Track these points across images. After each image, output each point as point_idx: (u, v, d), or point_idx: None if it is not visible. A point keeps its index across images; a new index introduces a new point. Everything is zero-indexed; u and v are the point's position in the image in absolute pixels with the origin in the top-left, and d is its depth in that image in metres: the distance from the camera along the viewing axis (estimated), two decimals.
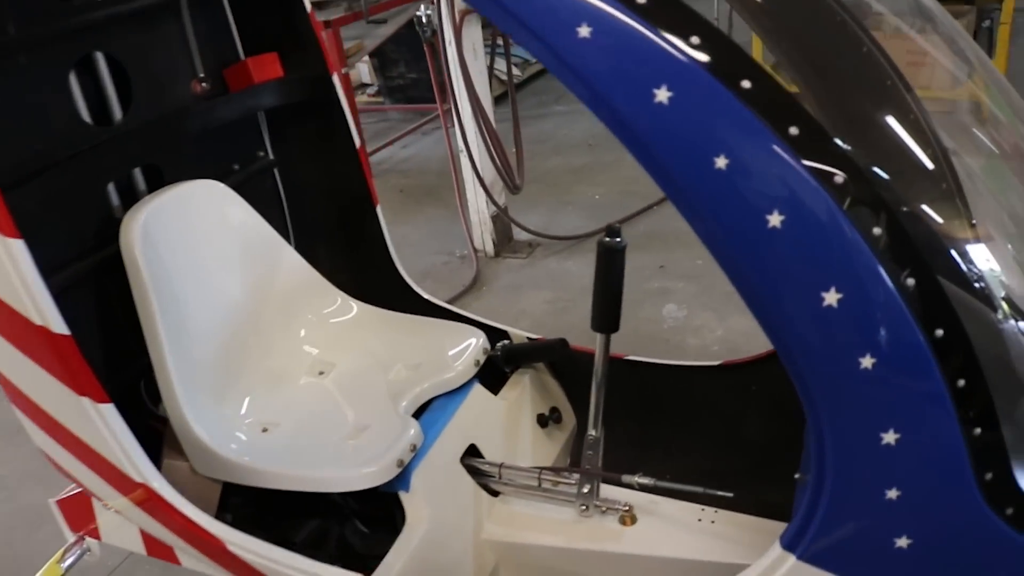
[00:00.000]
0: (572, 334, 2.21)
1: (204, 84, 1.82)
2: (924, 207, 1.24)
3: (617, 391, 1.82)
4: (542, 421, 2.15)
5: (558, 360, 2.17)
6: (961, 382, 1.08)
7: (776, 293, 1.07)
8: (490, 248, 4.78)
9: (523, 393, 2.13)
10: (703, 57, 1.04)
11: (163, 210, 1.76)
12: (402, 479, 1.71)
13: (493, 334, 2.18)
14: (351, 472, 1.68)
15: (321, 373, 2.00)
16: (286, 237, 2.25)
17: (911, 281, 1.06)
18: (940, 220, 1.26)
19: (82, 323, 1.62)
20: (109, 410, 1.58)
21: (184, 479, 1.74)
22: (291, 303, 2.08)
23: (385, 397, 1.87)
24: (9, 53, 1.59)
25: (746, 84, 1.03)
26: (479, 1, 1.10)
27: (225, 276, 1.88)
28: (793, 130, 1.04)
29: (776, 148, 1.04)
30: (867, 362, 1.07)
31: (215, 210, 1.88)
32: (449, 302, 2.46)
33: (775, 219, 1.05)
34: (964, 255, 1.23)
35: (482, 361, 2.03)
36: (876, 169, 1.16)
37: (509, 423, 2.04)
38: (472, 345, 2.01)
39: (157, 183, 1.90)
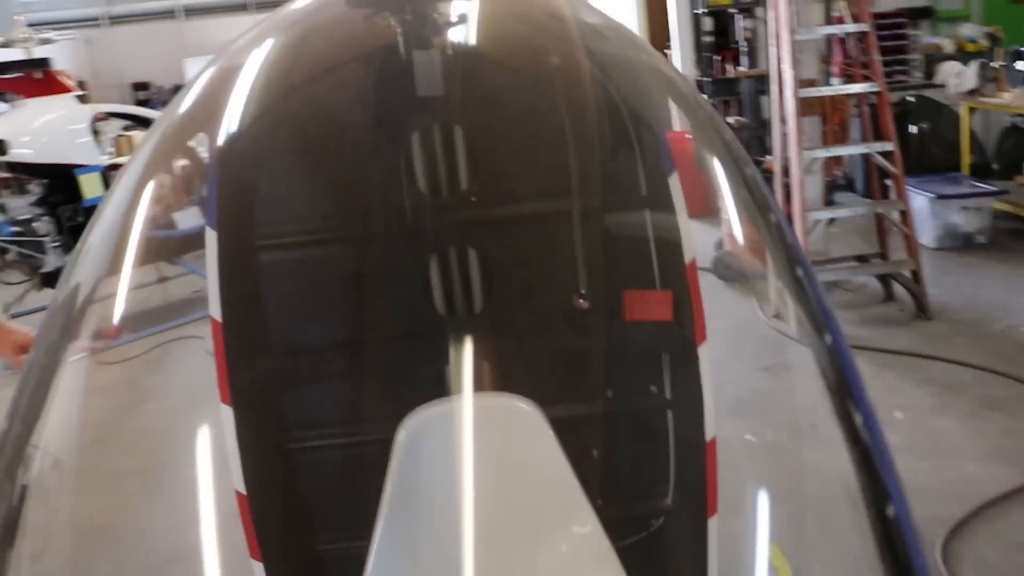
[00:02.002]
0: None
1: (583, 301, 1.58)
2: None
3: None
4: None
5: None
6: None
7: None
8: None
9: None
10: None
11: (449, 417, 1.50)
12: None
13: None
14: None
15: None
16: None
17: None
18: None
19: None
20: None
21: None
22: None
23: None
24: (377, 240, 1.48)
25: None
26: None
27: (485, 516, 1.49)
28: None
29: None
30: None
31: (516, 437, 1.56)
32: None
33: None
34: None
35: None
36: None
37: None
38: None
39: (506, 380, 1.68)
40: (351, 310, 1.46)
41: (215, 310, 1.33)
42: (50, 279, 6.45)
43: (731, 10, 9.56)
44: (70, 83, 7.89)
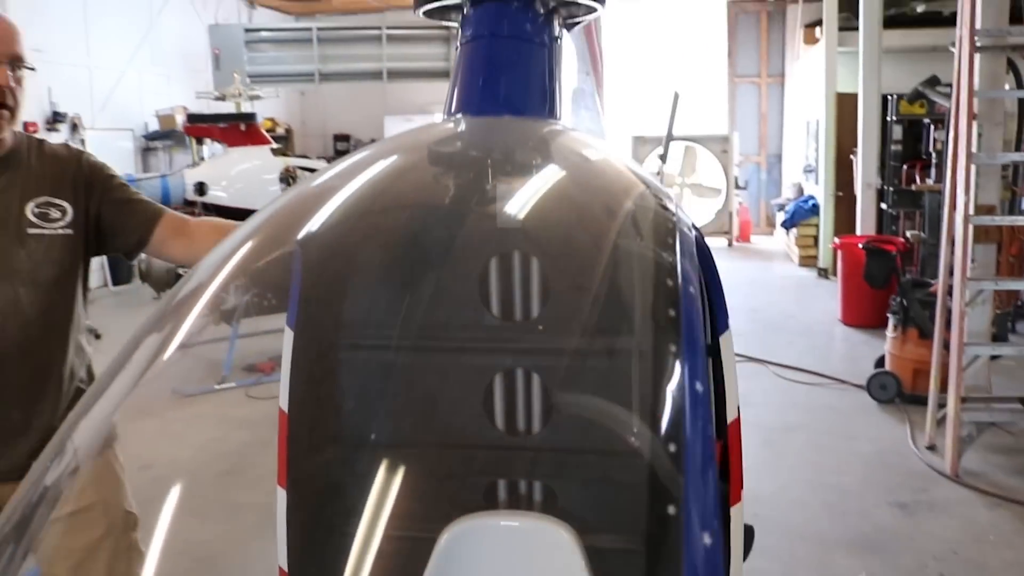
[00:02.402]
0: None
1: (635, 440, 1.66)
2: None
3: None
4: None
5: None
6: None
7: None
8: None
9: None
10: None
11: (490, 531, 1.56)
12: None
13: None
14: None
15: None
16: None
17: None
18: None
19: None
20: None
21: None
22: None
23: None
24: (446, 352, 1.59)
25: None
26: None
27: None
28: None
29: None
30: None
31: (550, 561, 1.63)
32: None
33: None
34: None
35: None
36: None
37: None
38: None
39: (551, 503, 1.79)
40: (413, 414, 1.55)
41: (283, 402, 1.44)
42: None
43: (925, 120, 9.22)
44: (268, 136, 8.59)
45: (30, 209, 2.06)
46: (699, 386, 1.52)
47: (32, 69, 2.09)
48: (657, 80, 14.71)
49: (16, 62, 2.03)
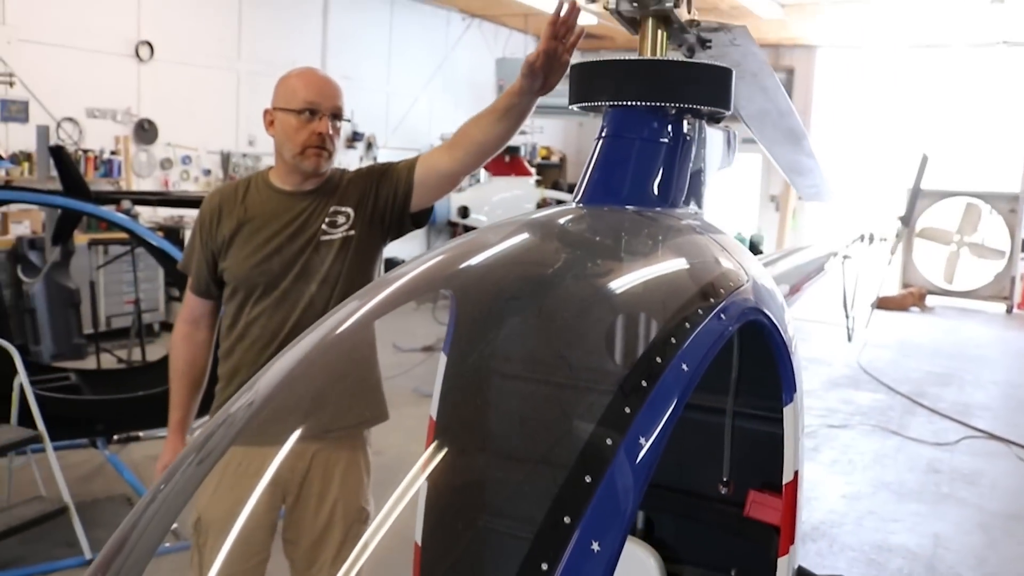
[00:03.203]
0: None
1: (724, 490, 1.87)
2: None
3: None
4: None
5: None
6: None
7: None
8: None
9: None
10: None
11: None
12: None
13: None
14: None
15: None
16: None
17: None
18: None
19: None
20: None
21: None
22: None
23: None
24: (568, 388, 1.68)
25: None
26: None
27: None
28: None
29: None
30: None
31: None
32: None
33: None
34: None
35: None
36: None
37: None
38: None
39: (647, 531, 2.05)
40: (536, 433, 1.79)
41: (433, 411, 1.79)
42: None
43: None
44: (530, 168, 9.21)
45: (324, 221, 2.53)
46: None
47: (348, 121, 2.62)
48: (947, 129, 13.84)
49: (336, 115, 2.53)
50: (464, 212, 8.10)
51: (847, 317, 5.18)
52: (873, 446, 6.35)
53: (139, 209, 8.00)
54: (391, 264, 2.50)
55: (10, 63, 8.12)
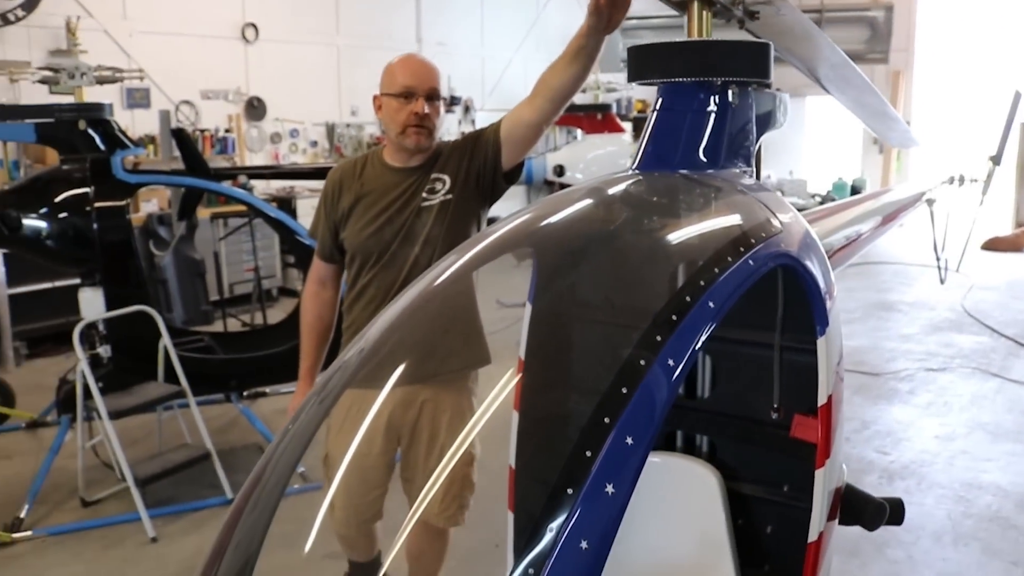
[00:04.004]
0: None
1: (775, 415, 2.07)
2: None
3: None
4: None
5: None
6: None
7: None
8: None
9: None
10: None
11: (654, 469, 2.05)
12: None
13: None
14: None
15: None
16: None
17: None
18: None
19: None
20: None
21: None
22: None
23: None
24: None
25: None
26: None
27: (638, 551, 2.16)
28: None
29: None
30: None
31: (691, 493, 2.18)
32: None
33: None
34: None
35: None
36: None
37: None
38: None
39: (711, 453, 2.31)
40: (599, 370, 2.00)
41: (522, 352, 2.03)
42: None
43: None
44: (624, 125, 9.36)
45: (426, 188, 2.81)
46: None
47: (445, 100, 2.84)
48: None
49: (432, 94, 2.78)
50: (560, 171, 8.36)
51: (938, 259, 5.22)
52: (971, 388, 6.36)
53: (253, 182, 8.55)
54: (492, 223, 2.77)
55: (131, 53, 8.75)
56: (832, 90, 2.76)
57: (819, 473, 1.84)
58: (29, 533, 4.24)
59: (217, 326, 7.70)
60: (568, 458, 1.29)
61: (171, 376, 4.62)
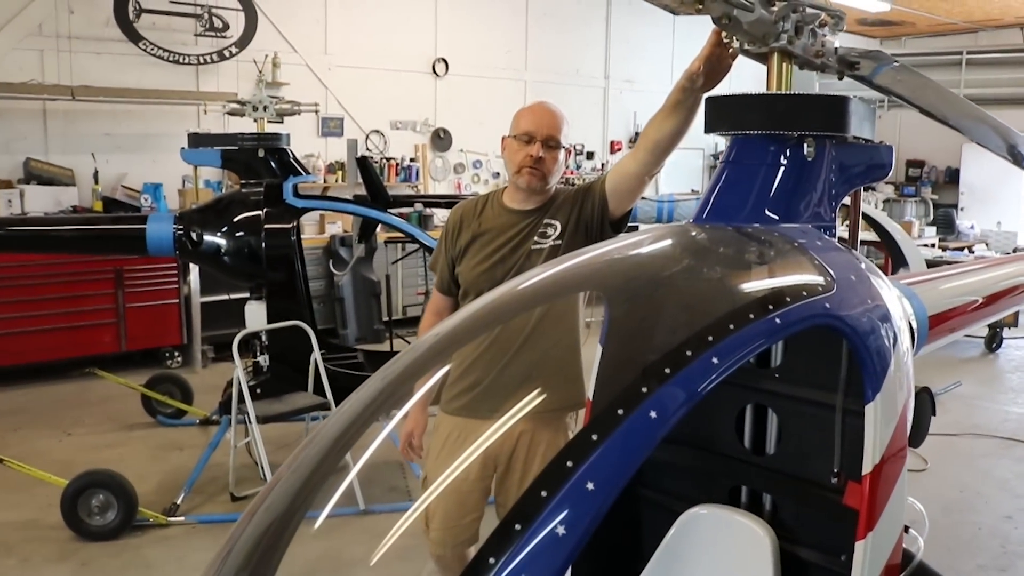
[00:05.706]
0: None
1: (835, 480, 2.05)
2: None
3: None
4: None
5: None
6: None
7: None
8: None
9: None
10: None
11: (710, 521, 2.15)
12: None
13: None
14: None
15: None
16: None
17: None
18: None
19: None
20: None
21: None
22: None
23: None
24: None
25: None
26: None
27: None
28: None
29: None
30: None
31: (742, 548, 2.14)
32: None
33: None
34: None
35: None
36: None
37: None
38: None
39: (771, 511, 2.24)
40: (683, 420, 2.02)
41: (589, 392, 2.06)
42: None
43: None
44: None
45: (538, 232, 2.93)
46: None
47: (564, 148, 2.95)
48: None
49: (550, 142, 2.90)
50: None
51: None
52: None
53: (431, 210, 8.97)
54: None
55: (329, 86, 9.43)
56: (965, 132, 2.58)
57: (859, 545, 1.76)
58: (182, 519, 4.66)
59: (386, 345, 8.10)
60: (523, 495, 1.33)
61: (320, 388, 4.94)
